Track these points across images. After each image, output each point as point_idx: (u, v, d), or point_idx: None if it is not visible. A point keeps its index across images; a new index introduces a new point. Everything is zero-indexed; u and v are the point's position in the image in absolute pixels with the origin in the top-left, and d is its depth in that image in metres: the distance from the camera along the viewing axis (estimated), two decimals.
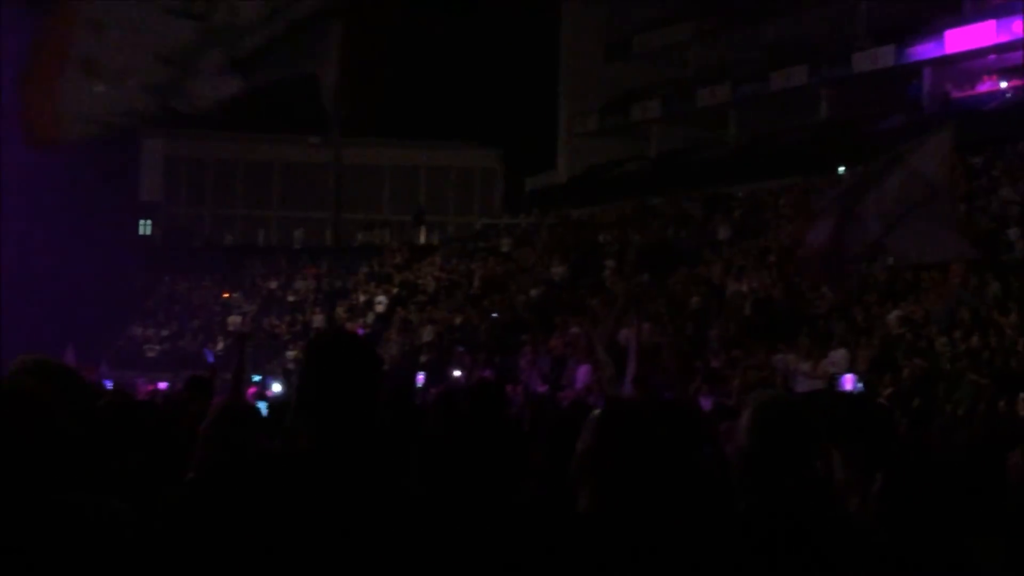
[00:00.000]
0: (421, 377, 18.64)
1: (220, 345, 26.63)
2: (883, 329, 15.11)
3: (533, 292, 24.37)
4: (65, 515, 2.33)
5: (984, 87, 26.30)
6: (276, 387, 15.42)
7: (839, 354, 14.16)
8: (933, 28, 26.51)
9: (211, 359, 24.63)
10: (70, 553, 2.27)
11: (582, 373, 16.07)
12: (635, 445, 2.76)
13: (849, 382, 12.92)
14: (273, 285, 30.68)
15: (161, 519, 2.53)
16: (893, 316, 15.36)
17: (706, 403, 10.63)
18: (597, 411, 2.89)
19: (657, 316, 19.00)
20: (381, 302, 27.52)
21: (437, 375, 19.58)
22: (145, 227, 31.58)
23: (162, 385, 16.90)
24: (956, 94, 26.24)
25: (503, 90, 34.22)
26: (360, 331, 18.61)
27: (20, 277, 23.12)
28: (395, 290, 28.34)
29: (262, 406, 9.04)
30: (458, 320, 24.29)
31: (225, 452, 3.94)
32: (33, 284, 23.28)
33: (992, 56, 25.94)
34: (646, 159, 32.94)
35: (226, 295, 30.14)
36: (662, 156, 32.28)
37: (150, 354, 26.51)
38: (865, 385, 12.91)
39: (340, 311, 27.78)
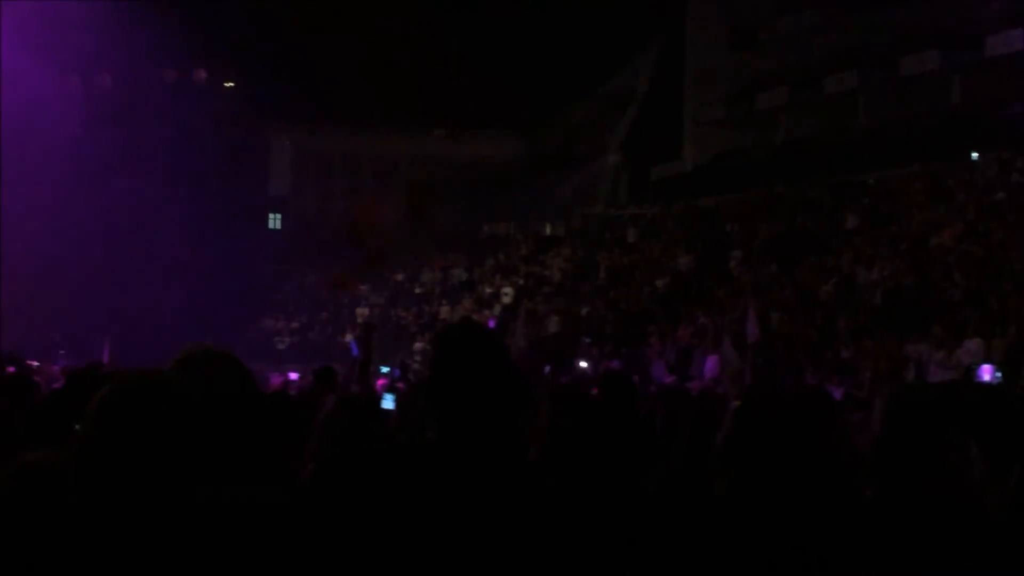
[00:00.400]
0: (547, 369, 18.63)
1: (348, 337, 26.96)
2: (1020, 318, 14.73)
3: (659, 283, 24.23)
4: (227, 509, 2.36)
5: None
6: (398, 380, 15.51)
7: (974, 344, 13.84)
8: None
9: (355, 351, 24.92)
10: (231, 547, 2.31)
11: (710, 363, 15.93)
12: (772, 434, 2.75)
13: (987, 372, 12.62)
14: (400, 277, 30.94)
15: (294, 511, 2.56)
16: None
17: (836, 394, 10.48)
18: (736, 403, 2.88)
19: (785, 306, 18.80)
20: (507, 294, 27.60)
21: (563, 366, 19.57)
22: (274, 221, 32.08)
23: (293, 376, 17.14)
24: None
25: (629, 80, 34.05)
26: (492, 323, 18.66)
27: (157, 272, 23.66)
28: (521, 282, 28.38)
29: (389, 398, 9.13)
30: (584, 311, 24.27)
31: (342, 444, 3.97)
32: (168, 278, 23.80)
33: None
34: (773, 147, 32.53)
35: (339, 283, 30.48)
36: (789, 144, 31.85)
37: (280, 346, 26.93)
38: (1004, 376, 12.62)
39: (467, 303, 27.94)
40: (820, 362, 15.42)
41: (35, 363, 13.04)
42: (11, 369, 9.08)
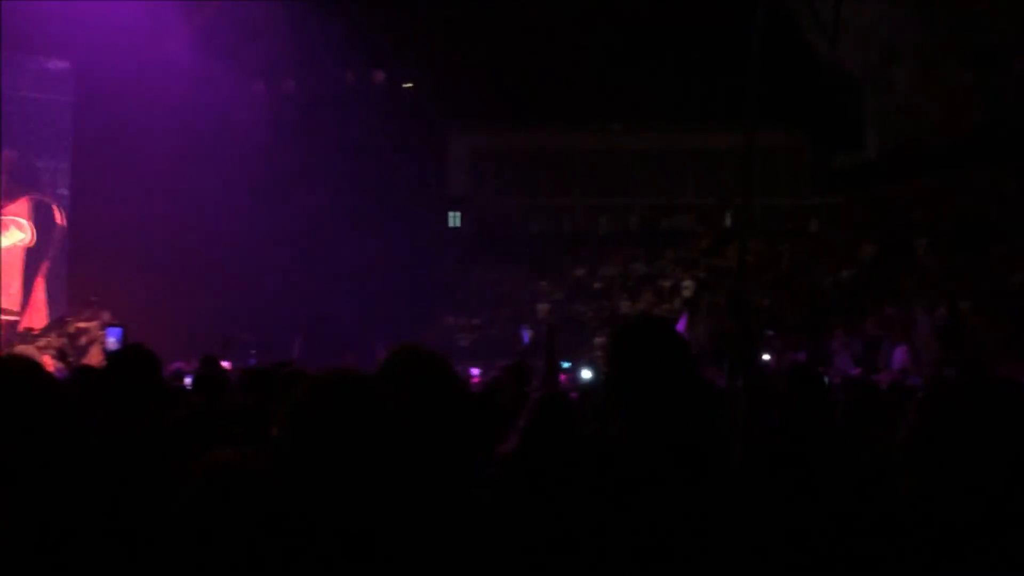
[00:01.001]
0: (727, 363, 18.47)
1: (530, 333, 27.10)
2: None
3: (844, 273, 23.76)
4: (429, 506, 2.38)
5: None
6: (586, 373, 15.54)
7: None
8: None
9: (526, 339, 25.07)
10: (433, 545, 2.33)
11: (899, 354, 15.56)
12: (959, 424, 2.66)
13: None
14: (580, 272, 30.98)
15: (491, 506, 2.57)
16: None
17: None
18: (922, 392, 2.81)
19: (975, 295, 18.27)
20: (688, 287, 27.42)
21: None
22: (454, 219, 32.41)
23: (474, 371, 17.29)
24: None
25: (806, 68, 33.39)
26: (682, 322, 18.53)
27: (341, 271, 24.10)
28: (701, 274, 28.16)
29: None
30: (766, 303, 23.95)
31: (544, 441, 4.00)
32: (352, 278, 24.23)
33: None
34: (962, 131, 31.49)
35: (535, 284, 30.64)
36: (977, 129, 30.80)
37: (462, 343, 27.19)
38: None
39: (647, 297, 27.82)
40: (1012, 353, 14.93)
41: (228, 364, 13.42)
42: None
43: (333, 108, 26.46)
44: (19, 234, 25.60)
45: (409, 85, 27.62)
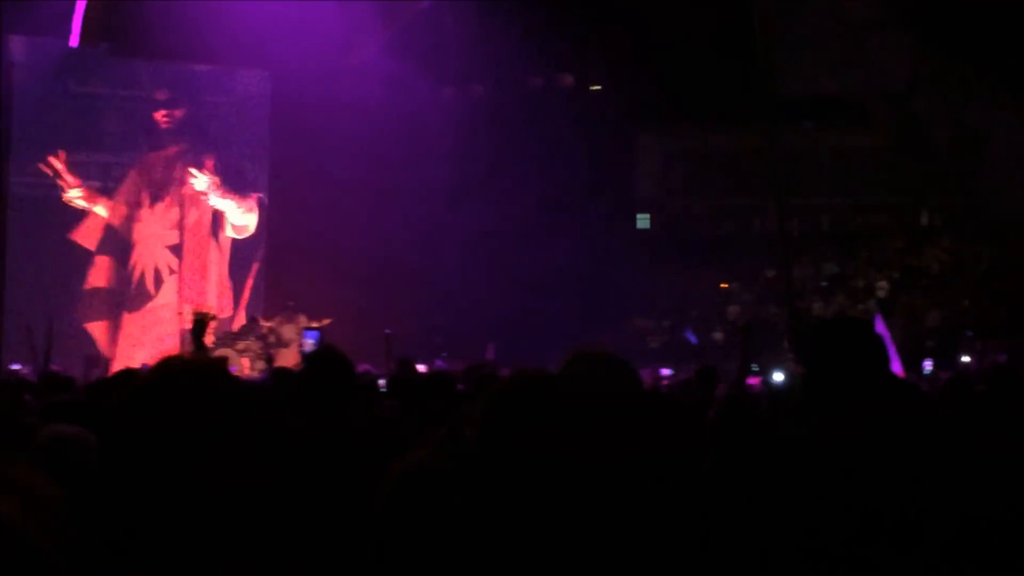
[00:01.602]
0: (928, 363, 18.00)
1: (720, 335, 26.86)
2: None
3: None
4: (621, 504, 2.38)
5: None
6: (777, 376, 15.31)
7: None
8: None
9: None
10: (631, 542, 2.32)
11: None
12: None
13: None
14: (771, 274, 30.55)
15: (686, 506, 2.55)
16: None
17: None
18: None
19: None
20: (882, 287, 26.84)
21: (945, 360, 18.83)
22: (643, 221, 32.27)
23: (665, 371, 17.22)
24: None
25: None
26: (879, 321, 18.13)
27: (532, 275, 24.23)
28: (896, 275, 27.53)
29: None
30: (966, 303, 23.24)
31: (734, 441, 3.96)
32: (542, 281, 24.34)
33: None
34: None
35: (724, 285, 30.35)
36: None
37: (653, 345, 27.11)
38: None
39: (840, 298, 27.28)
40: None
41: (423, 367, 13.63)
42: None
43: (521, 112, 26.65)
44: (244, 218, 26.57)
45: (597, 88, 27.62)
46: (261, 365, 20.33)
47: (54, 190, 25.08)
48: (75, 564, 1.48)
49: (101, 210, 25.46)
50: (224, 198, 26.44)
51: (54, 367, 16.48)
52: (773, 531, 2.61)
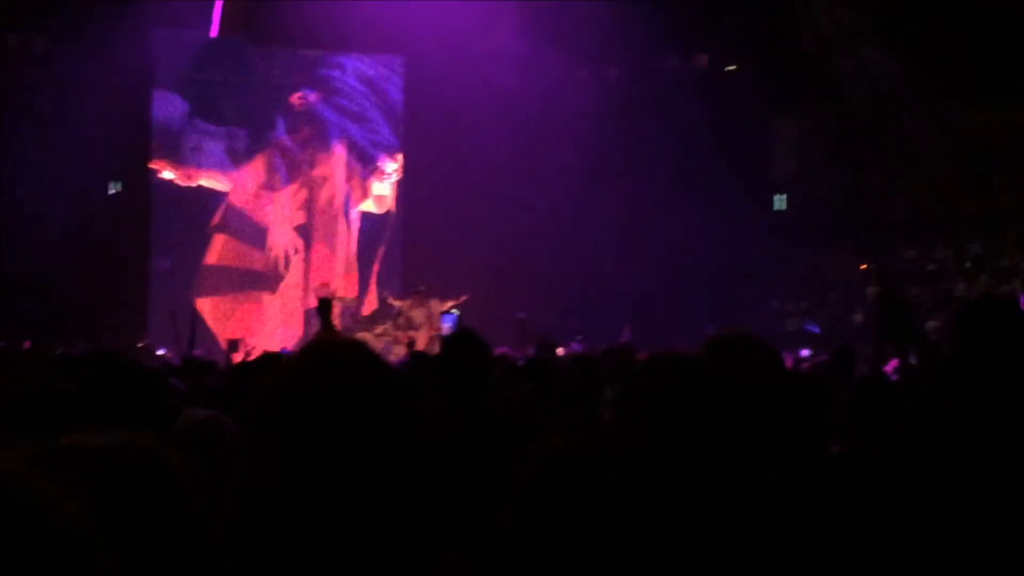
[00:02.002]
0: None
1: (859, 318, 26.42)
2: None
3: None
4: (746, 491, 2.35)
5: None
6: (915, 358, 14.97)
7: None
8: None
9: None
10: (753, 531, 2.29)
11: None
12: None
13: None
14: (911, 254, 29.96)
15: (826, 489, 2.50)
16: None
17: None
18: None
19: None
20: None
21: None
22: (780, 202, 31.84)
23: (804, 352, 17.02)
24: None
25: None
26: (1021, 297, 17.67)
27: (667, 257, 24.14)
28: None
29: None
30: None
31: (868, 425, 3.89)
32: (677, 263, 24.22)
33: None
34: None
35: (863, 267, 29.81)
36: None
37: (790, 328, 26.76)
38: None
39: (984, 279, 26.64)
40: None
41: (561, 350, 13.66)
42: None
43: (656, 93, 26.49)
44: (375, 202, 26.92)
45: (732, 68, 27.31)
46: (400, 350, 20.51)
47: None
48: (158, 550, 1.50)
49: (233, 193, 26.00)
50: (356, 181, 26.80)
51: (196, 352, 16.89)
52: (914, 522, 2.54)
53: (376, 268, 26.74)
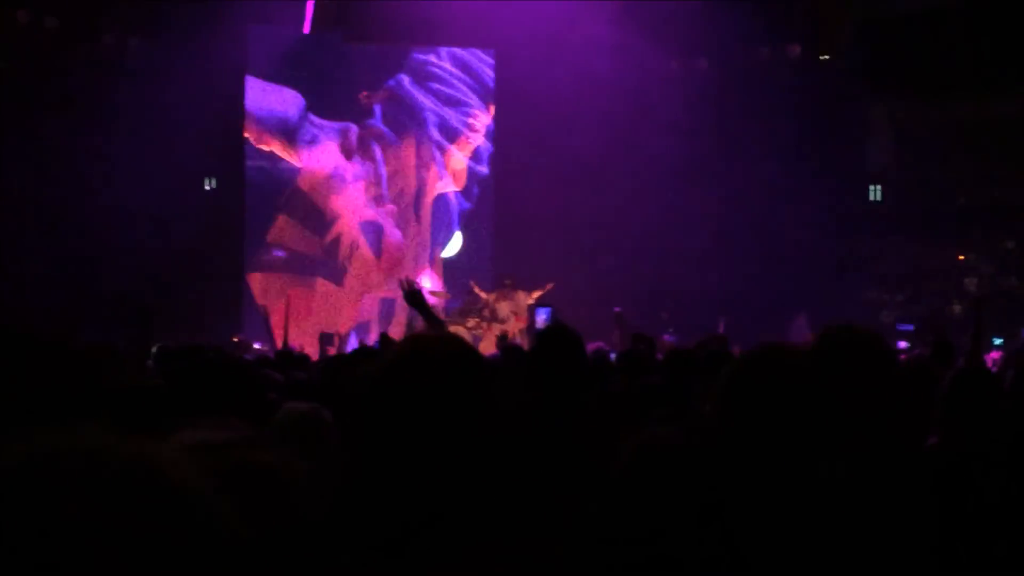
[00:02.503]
0: None
1: (957, 309, 26.04)
2: None
3: None
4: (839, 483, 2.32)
5: None
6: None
7: None
8: None
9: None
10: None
11: None
12: None
13: None
14: (1011, 245, 29.44)
15: (919, 478, 2.47)
16: None
17: None
18: None
19: None
20: None
21: None
22: (875, 193, 31.45)
23: (901, 344, 16.88)
24: None
25: None
26: None
27: (761, 248, 24.02)
28: None
29: None
30: None
31: (966, 419, 3.83)
32: (771, 253, 24.09)
33: None
34: None
35: (961, 257, 29.34)
36: None
37: (886, 319, 26.43)
38: None
39: None
40: None
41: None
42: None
43: (748, 84, 26.27)
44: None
45: (826, 57, 26.99)
46: (489, 343, 20.56)
47: (288, 172, 26.01)
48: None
49: (318, 186, 26.25)
50: (445, 167, 26.97)
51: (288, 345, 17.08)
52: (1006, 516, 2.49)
53: (460, 260, 26.91)
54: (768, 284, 23.76)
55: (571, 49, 24.85)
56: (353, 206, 26.32)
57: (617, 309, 19.02)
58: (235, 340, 20.59)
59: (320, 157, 26.19)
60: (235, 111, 25.51)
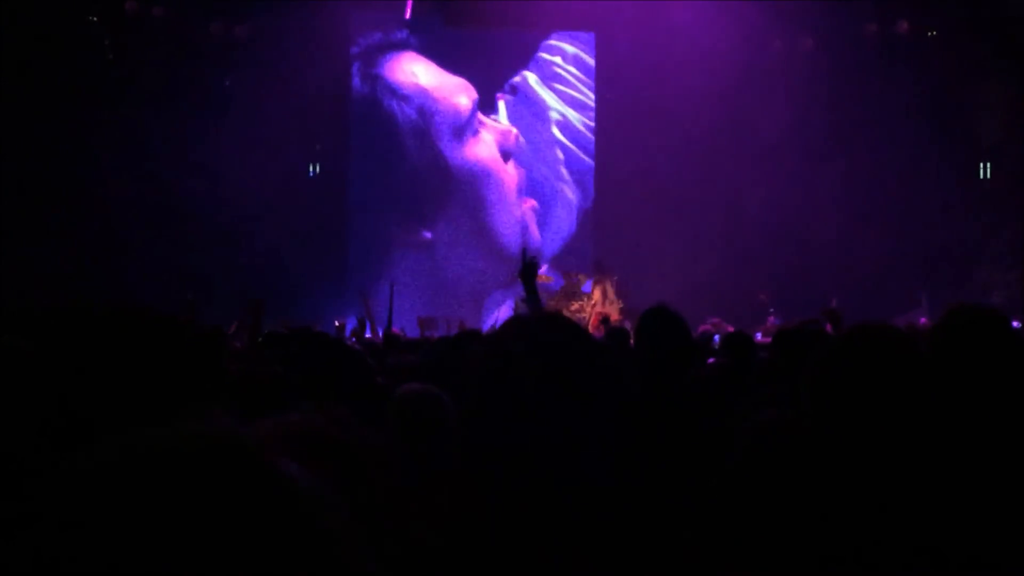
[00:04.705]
0: None
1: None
2: None
3: None
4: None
5: None
6: None
7: None
8: None
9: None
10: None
11: None
12: None
13: None
14: None
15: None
16: None
17: None
18: None
19: None
20: None
21: None
22: (985, 170, 30.83)
23: (1015, 324, 16.57)
24: None
25: None
26: None
27: (870, 229, 23.77)
28: None
29: None
30: None
31: None
32: (882, 235, 23.83)
33: None
34: None
35: None
36: None
37: (996, 299, 25.94)
38: None
39: None
40: None
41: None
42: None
43: (855, 62, 25.87)
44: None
45: (934, 33, 26.47)
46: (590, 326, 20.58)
47: (395, 159, 26.27)
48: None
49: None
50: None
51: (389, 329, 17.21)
52: None
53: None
54: (876, 263, 23.52)
55: (670, 31, 24.64)
56: (506, 198, 26.48)
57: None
58: (337, 325, 20.81)
59: (476, 148, 26.35)
60: (338, 98, 25.76)
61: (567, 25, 26.66)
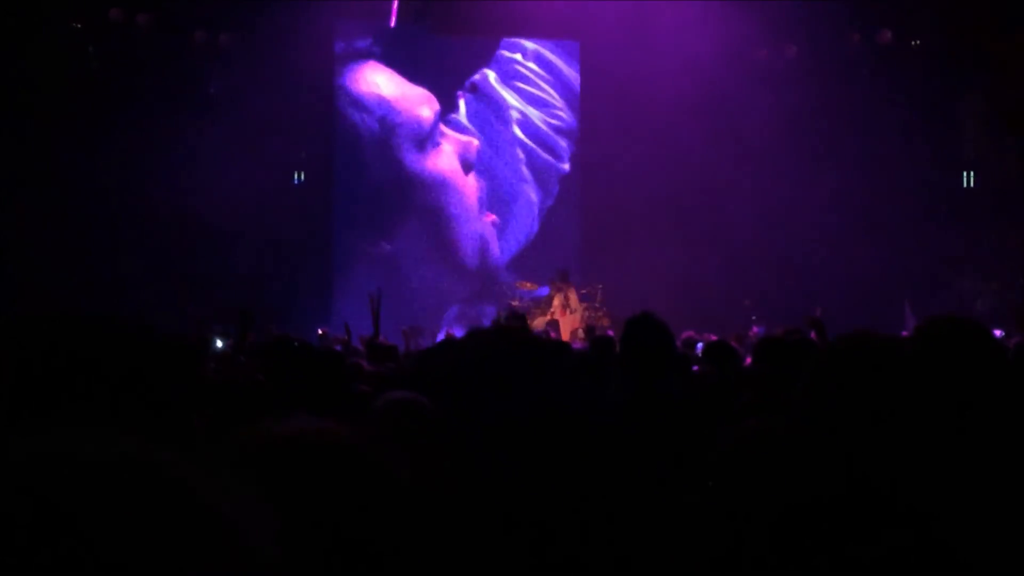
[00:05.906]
0: None
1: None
2: None
3: None
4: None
5: None
6: None
7: None
8: None
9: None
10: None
11: None
12: None
13: None
14: None
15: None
16: None
17: None
18: None
19: None
20: None
21: None
22: (968, 179, 30.96)
23: (997, 333, 16.57)
24: None
25: None
26: None
27: (853, 236, 23.86)
28: None
29: None
30: None
31: None
32: (866, 242, 23.90)
33: None
34: None
35: None
36: None
37: (979, 307, 26.03)
38: None
39: None
40: None
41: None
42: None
43: (838, 72, 25.94)
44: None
45: (917, 43, 26.57)
46: (580, 334, 20.60)
47: (378, 168, 26.27)
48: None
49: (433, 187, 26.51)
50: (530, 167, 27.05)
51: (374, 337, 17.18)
52: None
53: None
54: (859, 271, 23.58)
55: (656, 39, 24.67)
56: (467, 211, 26.50)
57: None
58: (320, 333, 20.75)
59: (437, 160, 26.37)
60: (321, 105, 25.75)
61: (553, 34, 26.67)
